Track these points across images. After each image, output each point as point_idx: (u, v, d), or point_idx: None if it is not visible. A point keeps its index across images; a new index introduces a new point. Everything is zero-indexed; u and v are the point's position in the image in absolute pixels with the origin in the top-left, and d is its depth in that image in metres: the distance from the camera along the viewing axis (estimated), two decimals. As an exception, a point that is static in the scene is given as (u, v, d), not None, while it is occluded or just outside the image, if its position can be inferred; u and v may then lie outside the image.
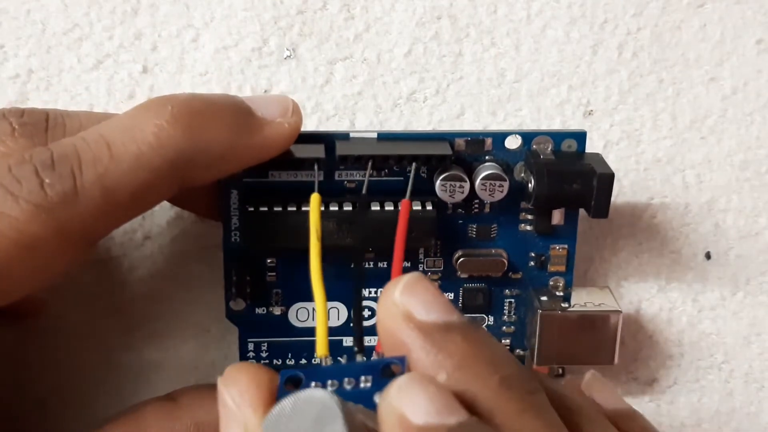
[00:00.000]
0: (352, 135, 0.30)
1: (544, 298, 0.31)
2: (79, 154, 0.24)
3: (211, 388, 0.30)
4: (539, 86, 0.35)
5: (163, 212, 0.34)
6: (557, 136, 0.31)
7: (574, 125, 0.35)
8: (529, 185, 0.30)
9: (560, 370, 0.32)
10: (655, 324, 0.34)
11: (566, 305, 0.31)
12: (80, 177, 0.24)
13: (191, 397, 0.30)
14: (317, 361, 0.24)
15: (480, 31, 0.35)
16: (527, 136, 0.31)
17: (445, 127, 0.35)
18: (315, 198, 0.28)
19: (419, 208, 0.30)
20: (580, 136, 0.31)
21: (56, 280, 0.25)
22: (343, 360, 0.31)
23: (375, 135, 0.30)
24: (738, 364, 0.34)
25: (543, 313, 0.31)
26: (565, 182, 0.29)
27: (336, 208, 0.30)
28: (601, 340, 0.31)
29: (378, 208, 0.30)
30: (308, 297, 0.31)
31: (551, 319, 0.31)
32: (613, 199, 0.35)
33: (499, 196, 0.30)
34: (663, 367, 0.34)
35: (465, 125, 0.35)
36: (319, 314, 0.25)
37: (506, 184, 0.30)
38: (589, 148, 0.35)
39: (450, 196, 0.30)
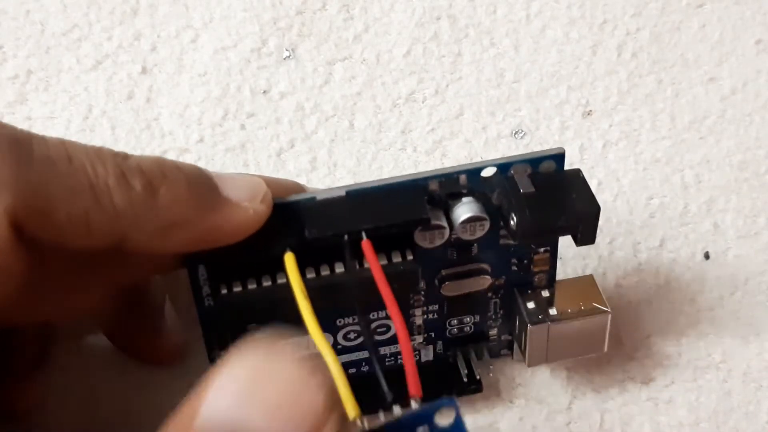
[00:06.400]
0: (318, 198, 0.27)
1: (530, 305, 0.31)
2: (33, 151, 0.23)
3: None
4: (538, 87, 0.35)
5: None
6: (534, 162, 0.28)
7: (573, 125, 0.35)
8: (511, 222, 0.28)
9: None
10: (654, 323, 0.35)
11: (553, 311, 0.31)
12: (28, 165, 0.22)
13: None
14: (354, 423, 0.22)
15: (479, 31, 0.35)
16: (503, 167, 0.28)
17: (444, 127, 0.35)
18: (289, 258, 0.26)
19: (399, 260, 0.28)
20: (559, 158, 0.28)
21: (11, 288, 0.23)
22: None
23: (343, 193, 0.27)
24: (736, 363, 0.34)
25: (532, 327, 0.31)
26: (549, 220, 0.27)
27: (313, 275, 0.27)
28: (591, 339, 0.31)
29: (358, 267, 0.27)
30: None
31: (540, 330, 0.31)
32: (612, 198, 0.35)
33: (480, 233, 0.29)
34: (661, 366, 0.34)
35: (464, 126, 0.35)
36: (335, 372, 0.23)
37: (487, 223, 0.28)
38: (588, 148, 0.35)
39: (429, 243, 0.29)
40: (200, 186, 0.25)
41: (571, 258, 0.34)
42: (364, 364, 0.31)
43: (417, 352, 0.32)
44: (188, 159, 0.35)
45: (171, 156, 0.34)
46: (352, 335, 0.31)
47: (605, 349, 0.31)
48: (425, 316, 0.31)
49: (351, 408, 0.22)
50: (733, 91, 0.35)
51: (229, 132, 0.33)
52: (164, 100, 0.34)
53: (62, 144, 0.23)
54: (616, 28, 0.36)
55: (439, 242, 0.28)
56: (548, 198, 0.27)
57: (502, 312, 0.32)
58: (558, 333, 0.31)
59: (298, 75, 0.34)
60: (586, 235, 0.28)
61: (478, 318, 0.32)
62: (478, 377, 0.32)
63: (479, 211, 0.28)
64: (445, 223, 0.28)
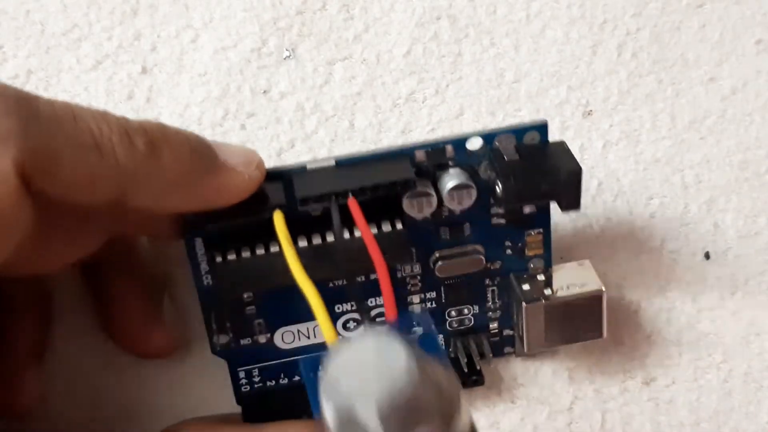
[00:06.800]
0: (309, 167, 0.29)
1: (525, 287, 0.31)
2: (39, 109, 0.23)
3: (212, 422, 0.31)
4: (538, 87, 0.35)
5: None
6: (518, 132, 0.29)
7: (573, 125, 0.35)
8: (497, 188, 0.29)
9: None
10: (654, 323, 0.35)
11: (548, 291, 0.31)
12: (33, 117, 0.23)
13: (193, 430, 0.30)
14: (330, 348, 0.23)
15: (479, 31, 0.35)
16: (488, 137, 0.29)
17: (444, 127, 0.35)
18: (278, 216, 0.27)
19: (389, 228, 0.29)
20: (542, 128, 0.30)
21: (17, 239, 0.23)
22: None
23: (333, 162, 0.29)
24: (737, 363, 0.34)
25: (528, 306, 0.31)
26: (532, 184, 0.29)
27: (305, 244, 0.29)
28: (588, 320, 0.31)
29: (348, 236, 0.29)
30: (291, 320, 0.31)
31: (536, 309, 0.31)
32: (612, 198, 0.35)
33: (468, 203, 0.30)
34: (662, 366, 0.34)
35: (464, 126, 0.35)
36: (315, 305, 0.25)
37: (474, 191, 0.29)
38: (588, 148, 0.35)
39: (418, 212, 0.29)
40: (200, 150, 0.26)
41: (572, 259, 0.34)
42: None
43: None
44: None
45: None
46: (351, 325, 0.31)
47: (604, 333, 0.31)
48: (423, 305, 0.32)
49: (329, 335, 0.24)
50: (734, 91, 0.35)
51: (229, 132, 0.33)
52: (164, 100, 0.34)
53: (68, 105, 0.24)
54: (616, 28, 0.36)
55: (428, 211, 0.29)
56: (532, 165, 0.29)
57: (500, 303, 0.32)
58: (554, 311, 0.31)
59: (298, 75, 0.34)
60: (569, 199, 0.29)
61: (477, 309, 0.32)
62: (478, 368, 0.32)
63: (466, 179, 0.29)
64: (432, 191, 0.29)
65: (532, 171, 0.29)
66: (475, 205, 0.30)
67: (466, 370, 0.32)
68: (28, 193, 0.22)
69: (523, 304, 0.31)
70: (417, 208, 0.29)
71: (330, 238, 0.29)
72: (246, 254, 0.29)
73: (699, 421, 0.34)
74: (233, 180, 0.27)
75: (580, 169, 0.29)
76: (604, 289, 0.31)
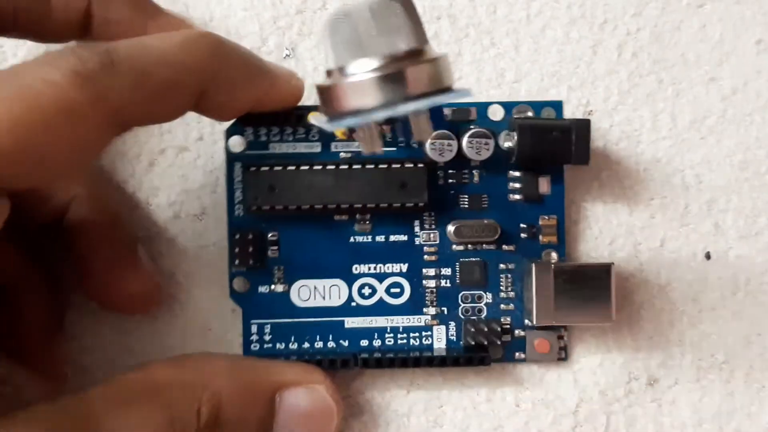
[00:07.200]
0: None
1: (536, 260, 0.32)
2: (112, 43, 0.26)
3: (219, 355, 0.31)
4: (539, 86, 0.35)
5: (161, 211, 0.34)
6: (536, 105, 0.34)
7: (539, 101, 0.35)
8: (512, 143, 0.32)
9: (563, 339, 0.33)
10: (656, 324, 0.34)
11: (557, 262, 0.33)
12: (115, 53, 0.25)
13: (199, 360, 0.30)
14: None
15: (479, 31, 0.35)
16: (508, 105, 0.34)
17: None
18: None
19: (411, 165, 0.32)
20: (557, 105, 0.34)
21: (91, 158, 0.27)
22: None
23: None
24: (738, 364, 0.34)
25: (537, 266, 0.32)
26: (544, 133, 0.32)
27: (333, 167, 0.32)
28: (597, 295, 0.31)
29: (372, 166, 0.32)
30: (310, 274, 0.33)
31: (544, 270, 0.31)
32: (612, 199, 0.35)
33: (486, 154, 0.33)
34: (664, 367, 0.34)
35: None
36: None
37: (492, 142, 0.33)
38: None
39: (440, 154, 0.32)
40: (255, 58, 0.30)
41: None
42: (376, 336, 0.33)
43: (428, 333, 0.32)
44: (187, 157, 0.34)
45: (170, 154, 0.34)
46: (367, 291, 0.33)
47: (614, 315, 0.31)
48: (437, 282, 0.33)
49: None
50: (734, 90, 0.35)
51: (229, 132, 0.33)
52: (163, 100, 0.33)
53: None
54: (616, 28, 0.36)
55: (448, 155, 0.33)
56: (545, 121, 0.33)
57: (513, 294, 0.32)
58: (563, 275, 0.32)
59: (298, 73, 0.34)
60: (579, 151, 0.32)
61: (490, 298, 0.32)
62: (486, 343, 0.32)
63: (485, 131, 0.33)
64: (453, 136, 0.33)
65: (544, 124, 0.32)
66: (494, 172, 0.33)
67: (473, 342, 0.32)
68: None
69: (533, 265, 0.31)
70: (439, 151, 0.33)
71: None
72: (278, 168, 0.32)
73: (701, 422, 0.34)
74: (283, 82, 0.31)
75: (589, 120, 0.32)
76: (613, 263, 0.32)
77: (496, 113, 0.34)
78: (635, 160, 0.35)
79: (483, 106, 0.34)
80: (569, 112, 0.35)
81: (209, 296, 0.34)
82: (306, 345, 0.32)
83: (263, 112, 0.31)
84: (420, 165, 0.32)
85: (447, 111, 0.33)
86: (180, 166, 0.34)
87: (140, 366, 0.29)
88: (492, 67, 0.35)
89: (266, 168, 0.32)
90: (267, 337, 0.32)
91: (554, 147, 0.32)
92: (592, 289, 0.31)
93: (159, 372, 0.29)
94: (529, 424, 0.33)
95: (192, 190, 0.34)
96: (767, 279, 0.35)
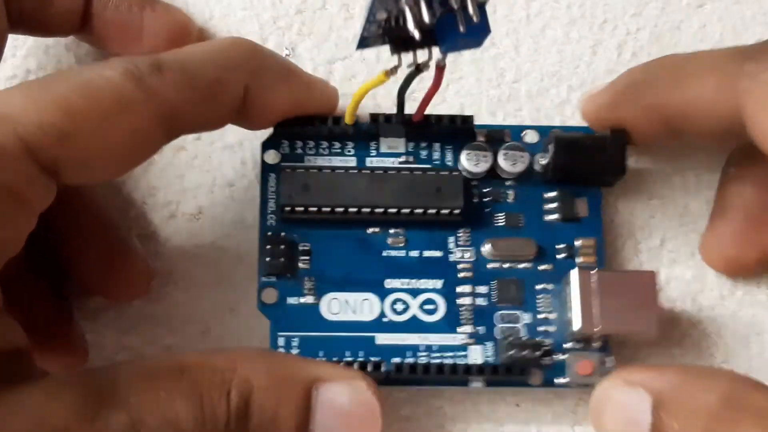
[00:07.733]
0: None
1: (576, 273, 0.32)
2: (160, 53, 0.28)
3: (249, 347, 0.32)
4: (539, 86, 0.35)
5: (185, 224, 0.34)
6: (568, 129, 0.34)
7: (574, 125, 0.35)
8: (547, 159, 0.33)
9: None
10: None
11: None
12: (163, 58, 0.27)
13: (229, 349, 0.30)
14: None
15: (479, 31, 0.35)
16: (543, 129, 0.34)
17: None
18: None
19: (446, 173, 0.32)
20: (588, 130, 0.34)
21: (140, 157, 0.28)
22: None
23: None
24: (738, 363, 0.34)
25: (580, 271, 0.31)
26: (581, 146, 0.32)
27: (368, 171, 0.32)
28: (640, 304, 0.31)
29: (408, 172, 0.32)
30: (340, 287, 0.32)
31: (587, 278, 0.31)
32: (613, 199, 0.35)
33: (521, 167, 0.33)
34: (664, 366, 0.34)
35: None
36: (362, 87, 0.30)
37: (527, 155, 0.33)
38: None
39: (475, 165, 0.33)
40: (292, 65, 0.32)
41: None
42: (409, 352, 0.32)
43: (464, 353, 0.32)
44: (184, 157, 0.34)
45: (167, 155, 0.34)
46: (399, 306, 0.32)
47: (655, 329, 0.31)
48: (473, 300, 0.32)
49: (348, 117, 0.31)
50: (734, 90, 0.35)
51: (226, 129, 0.33)
52: (164, 100, 0.34)
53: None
54: (616, 28, 0.36)
55: (483, 166, 0.33)
56: (581, 136, 0.33)
57: (552, 317, 0.32)
58: (605, 285, 0.31)
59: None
60: (615, 161, 0.32)
61: (528, 318, 0.32)
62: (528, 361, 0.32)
63: (520, 146, 0.33)
64: (488, 148, 0.33)
65: (580, 137, 0.33)
66: (530, 192, 0.33)
67: (511, 363, 0.31)
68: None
69: (577, 270, 0.31)
70: (474, 161, 0.33)
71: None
72: (314, 170, 0.32)
73: (700, 422, 0.34)
74: (327, 91, 0.33)
75: (625, 130, 0.32)
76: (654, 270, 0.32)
77: (531, 137, 0.34)
78: (635, 160, 0.35)
79: (517, 130, 0.34)
80: (569, 112, 0.35)
81: (208, 296, 0.33)
82: (335, 359, 0.31)
83: (301, 119, 0.32)
84: (455, 172, 0.32)
85: (480, 133, 0.33)
86: (177, 165, 0.34)
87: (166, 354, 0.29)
88: (492, 67, 0.36)
89: (302, 169, 0.32)
90: (295, 351, 0.31)
91: (590, 160, 0.32)
92: (634, 297, 0.31)
93: (187, 356, 0.27)
94: (528, 423, 0.33)
95: (189, 189, 0.34)
96: (766, 278, 0.35)
